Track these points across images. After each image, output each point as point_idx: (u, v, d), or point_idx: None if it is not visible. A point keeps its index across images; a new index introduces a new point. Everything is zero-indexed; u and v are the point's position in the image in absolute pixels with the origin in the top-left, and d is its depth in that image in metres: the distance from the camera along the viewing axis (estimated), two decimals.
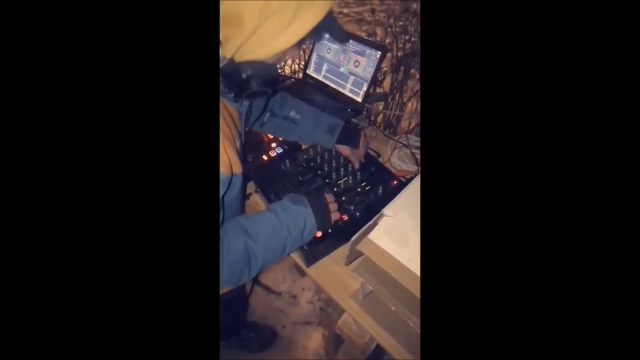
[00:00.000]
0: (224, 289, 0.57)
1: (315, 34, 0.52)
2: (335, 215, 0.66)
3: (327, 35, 0.56)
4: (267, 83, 0.54)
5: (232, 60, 0.50)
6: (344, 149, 0.84)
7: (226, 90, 0.54)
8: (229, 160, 0.54)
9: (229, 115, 0.59)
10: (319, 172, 0.83)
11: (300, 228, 0.61)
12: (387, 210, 0.54)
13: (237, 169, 0.57)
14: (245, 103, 0.66)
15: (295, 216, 0.61)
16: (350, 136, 0.84)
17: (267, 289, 1.47)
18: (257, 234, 0.58)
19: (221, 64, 0.49)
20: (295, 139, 0.88)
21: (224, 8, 0.46)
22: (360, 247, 0.52)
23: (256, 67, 0.51)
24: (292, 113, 0.84)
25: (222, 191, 0.55)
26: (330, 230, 0.70)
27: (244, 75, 0.51)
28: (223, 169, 0.52)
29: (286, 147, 0.91)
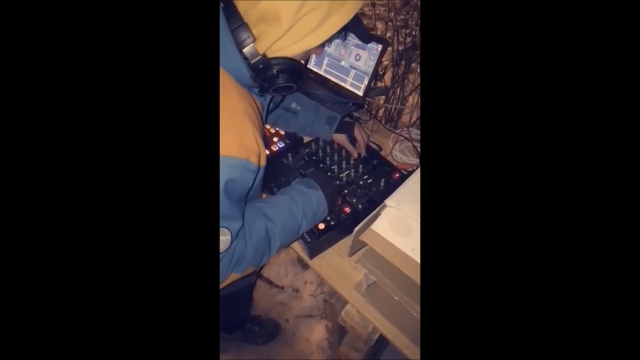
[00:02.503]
0: (248, 269, 0.60)
1: (340, 33, 0.54)
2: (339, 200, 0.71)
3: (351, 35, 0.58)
4: (293, 79, 0.56)
5: (264, 56, 0.52)
6: (340, 137, 0.86)
7: (255, 85, 0.56)
8: (258, 150, 0.55)
9: (257, 109, 0.61)
10: (321, 166, 0.83)
11: (314, 210, 0.65)
12: (390, 201, 0.54)
13: (263, 160, 0.59)
14: (268, 97, 0.68)
15: (309, 199, 0.65)
16: (347, 129, 0.87)
17: (270, 283, 1.48)
18: (276, 216, 0.62)
19: (254, 60, 0.51)
20: (295, 130, 0.91)
21: (262, 5, 0.48)
22: (363, 237, 0.53)
23: (285, 63, 0.53)
24: (294, 105, 0.87)
25: (250, 182, 0.57)
26: (333, 223, 0.70)
27: (274, 71, 0.53)
28: (255, 160, 0.54)
29: (288, 142, 0.91)
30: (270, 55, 0.53)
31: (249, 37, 0.50)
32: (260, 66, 0.52)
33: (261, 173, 0.60)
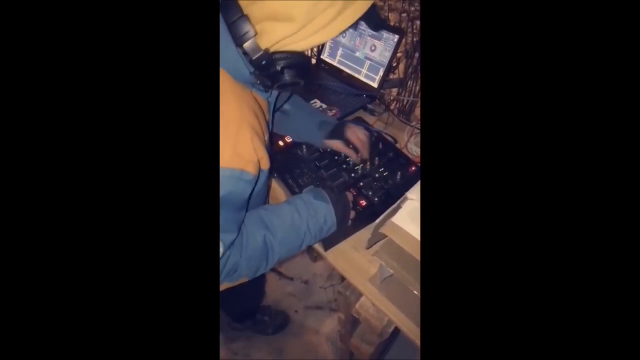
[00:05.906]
0: (241, 279, 0.58)
1: (353, 24, 0.50)
2: (351, 214, 0.67)
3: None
4: (300, 75, 0.51)
5: (266, 51, 0.48)
6: (335, 144, 0.79)
7: (257, 81, 0.52)
8: (257, 157, 0.52)
9: (259, 107, 0.57)
10: (336, 158, 0.83)
11: (320, 224, 0.61)
12: (411, 193, 0.54)
13: (265, 164, 0.55)
14: (275, 92, 0.64)
15: (316, 212, 0.61)
16: (340, 134, 0.79)
17: (280, 274, 1.49)
18: (277, 227, 0.58)
19: (255, 55, 0.47)
20: (287, 134, 0.84)
21: (269, 3, 0.44)
22: (383, 230, 0.52)
23: (291, 59, 0.49)
24: (286, 106, 0.79)
25: (249, 191, 0.54)
26: None
27: (277, 67, 0.49)
28: (251, 169, 0.51)
29: None
30: (274, 50, 0.49)
31: (249, 31, 0.45)
32: (263, 62, 0.48)
33: (264, 177, 0.57)
